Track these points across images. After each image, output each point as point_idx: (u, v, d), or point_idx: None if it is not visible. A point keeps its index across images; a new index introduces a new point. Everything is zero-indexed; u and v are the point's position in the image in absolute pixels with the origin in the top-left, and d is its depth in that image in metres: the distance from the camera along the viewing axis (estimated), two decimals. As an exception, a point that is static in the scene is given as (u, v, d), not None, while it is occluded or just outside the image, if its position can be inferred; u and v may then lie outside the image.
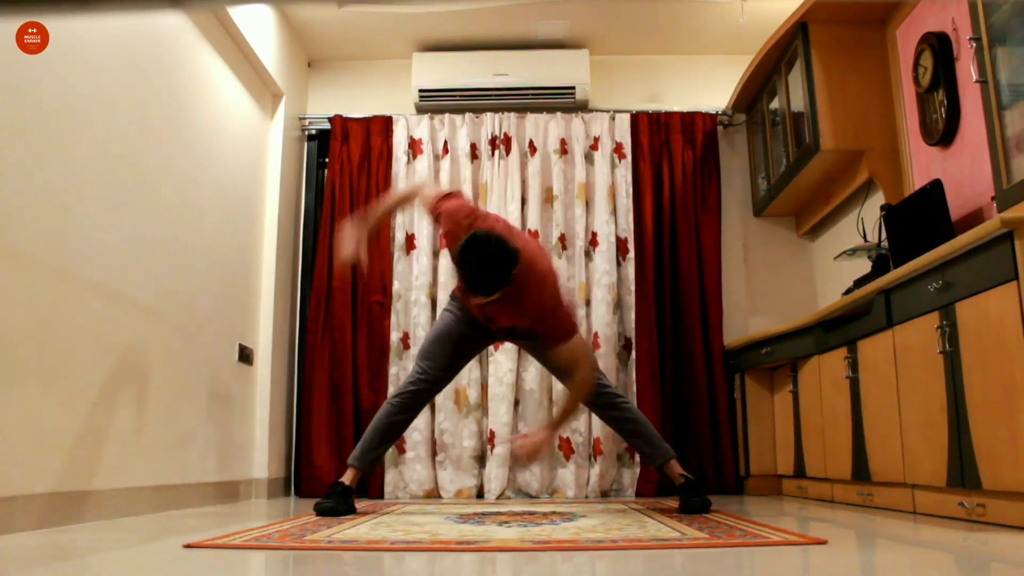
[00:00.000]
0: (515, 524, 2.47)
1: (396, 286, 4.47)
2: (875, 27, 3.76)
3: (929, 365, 2.66)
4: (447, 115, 4.68)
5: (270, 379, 4.22)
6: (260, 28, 4.14)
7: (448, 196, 2.89)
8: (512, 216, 4.44)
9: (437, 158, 4.65)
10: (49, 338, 2.47)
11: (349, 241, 2.87)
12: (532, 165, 4.57)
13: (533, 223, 4.48)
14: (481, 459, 4.27)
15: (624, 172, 4.58)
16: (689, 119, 4.69)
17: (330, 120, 4.75)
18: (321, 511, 2.84)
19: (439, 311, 4.39)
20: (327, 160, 4.76)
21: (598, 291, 4.40)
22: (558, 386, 4.25)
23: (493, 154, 4.59)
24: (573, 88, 4.68)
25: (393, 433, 3.02)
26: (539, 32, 4.66)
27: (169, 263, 3.25)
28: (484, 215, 2.85)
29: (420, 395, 3.00)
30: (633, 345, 4.37)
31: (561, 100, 4.71)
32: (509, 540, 2.02)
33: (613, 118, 4.66)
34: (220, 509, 3.31)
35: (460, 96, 4.70)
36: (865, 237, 3.87)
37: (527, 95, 4.69)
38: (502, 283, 2.52)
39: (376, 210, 3.03)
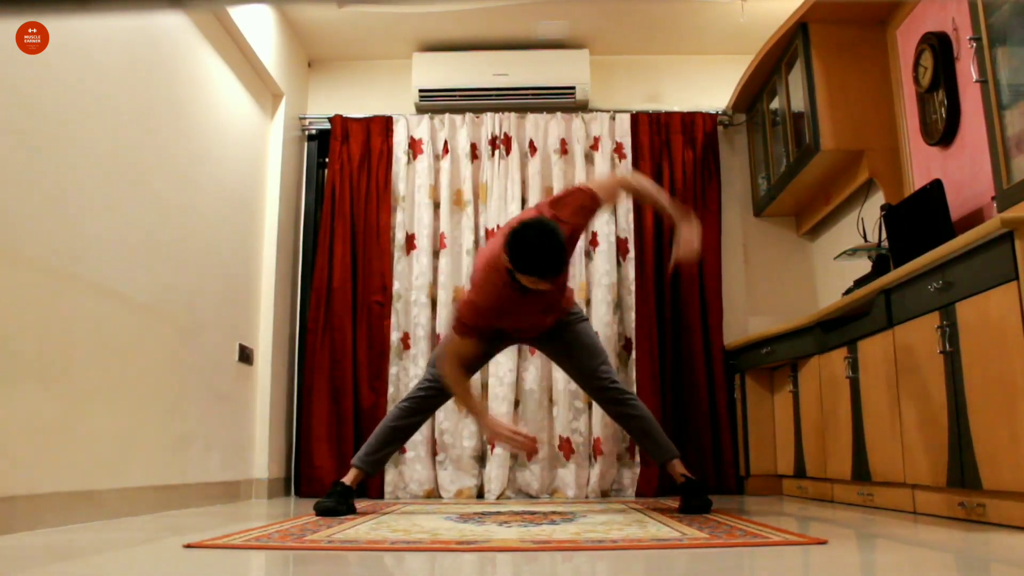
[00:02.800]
0: (515, 524, 2.47)
1: (396, 286, 4.47)
2: (875, 27, 3.76)
3: (929, 365, 2.66)
4: (447, 115, 4.68)
5: (270, 379, 4.21)
6: (260, 28, 4.14)
7: (459, 321, 2.78)
8: (512, 216, 4.44)
9: (437, 158, 4.65)
10: (49, 338, 2.47)
11: (496, 432, 2.87)
12: (532, 165, 4.57)
13: (533, 223, 4.47)
14: (481, 459, 4.27)
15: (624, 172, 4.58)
16: (689, 119, 4.69)
17: (330, 120, 4.75)
18: (321, 511, 2.85)
19: (439, 311, 4.40)
20: (327, 160, 4.76)
21: (598, 291, 4.40)
22: (558, 386, 4.26)
23: (493, 154, 4.59)
24: (573, 88, 4.67)
25: (399, 437, 3.04)
26: (539, 32, 4.66)
27: (169, 263, 3.25)
28: (487, 249, 2.82)
29: (429, 401, 3.02)
30: (633, 345, 4.37)
31: (561, 100, 4.71)
32: (509, 540, 2.02)
33: (613, 118, 4.66)
34: (220, 509, 3.31)
35: (460, 96, 4.70)
36: (865, 237, 3.87)
37: (527, 95, 4.69)
38: (564, 254, 2.53)
39: (472, 405, 2.96)
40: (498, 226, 4.43)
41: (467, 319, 2.74)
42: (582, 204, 2.79)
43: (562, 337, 3.02)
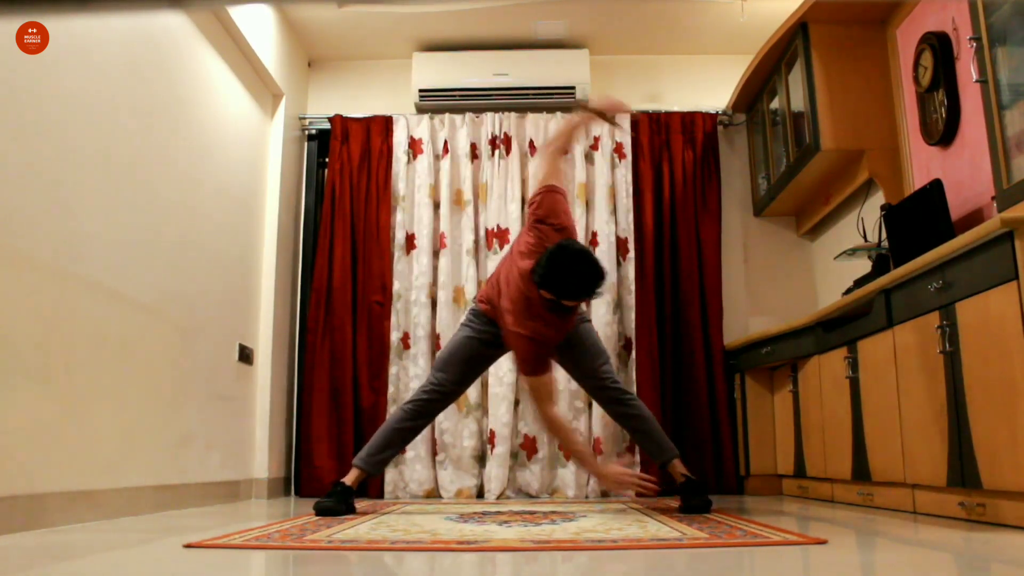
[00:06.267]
0: (515, 524, 2.47)
1: (396, 286, 4.47)
2: (875, 27, 3.76)
3: (929, 365, 2.66)
4: (447, 115, 4.68)
5: (270, 379, 4.21)
6: (260, 28, 4.14)
7: (536, 367, 2.90)
8: (512, 216, 4.44)
9: (437, 158, 4.65)
10: (49, 338, 2.47)
11: (620, 482, 2.95)
12: (532, 165, 4.56)
13: (533, 223, 4.48)
14: (481, 459, 4.27)
15: (624, 172, 4.57)
16: (689, 119, 4.69)
17: (330, 120, 4.75)
18: (321, 511, 2.85)
19: (439, 311, 4.40)
20: (327, 160, 4.76)
21: (598, 291, 4.39)
22: (558, 386, 4.25)
23: (493, 154, 4.59)
24: (573, 88, 4.67)
25: (401, 439, 3.07)
26: (539, 32, 4.66)
27: (169, 263, 3.25)
28: (509, 297, 2.91)
29: (432, 404, 3.06)
30: (633, 345, 4.37)
31: (561, 100, 4.70)
32: (509, 540, 2.02)
33: (613, 118, 4.65)
34: (220, 509, 3.31)
35: (460, 96, 4.70)
36: (865, 237, 3.87)
37: (527, 95, 4.69)
38: (599, 267, 2.73)
39: (580, 451, 3.03)
40: (498, 226, 4.44)
41: (540, 358, 2.86)
42: (555, 204, 2.97)
43: (567, 338, 3.03)
